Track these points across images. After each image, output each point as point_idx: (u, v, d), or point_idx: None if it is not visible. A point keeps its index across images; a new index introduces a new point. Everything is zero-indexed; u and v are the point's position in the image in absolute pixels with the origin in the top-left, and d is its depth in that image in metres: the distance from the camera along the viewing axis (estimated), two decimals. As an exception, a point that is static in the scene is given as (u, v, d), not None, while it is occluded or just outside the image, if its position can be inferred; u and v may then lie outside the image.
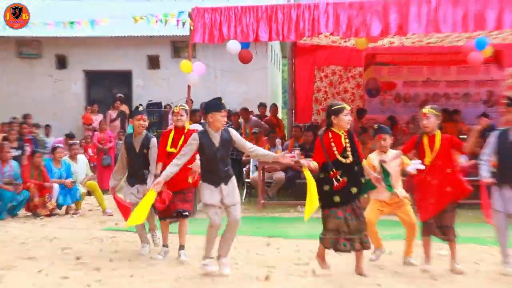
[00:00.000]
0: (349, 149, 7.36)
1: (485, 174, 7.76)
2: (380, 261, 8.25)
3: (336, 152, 7.33)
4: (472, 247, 9.24)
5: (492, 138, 7.93)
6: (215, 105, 7.46)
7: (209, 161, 7.45)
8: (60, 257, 8.65)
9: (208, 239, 7.49)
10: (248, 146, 7.75)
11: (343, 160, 7.33)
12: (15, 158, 13.66)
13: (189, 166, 8.04)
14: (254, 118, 16.43)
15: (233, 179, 7.67)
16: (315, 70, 17.67)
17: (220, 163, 7.44)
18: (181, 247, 8.40)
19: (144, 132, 8.72)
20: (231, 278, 7.58)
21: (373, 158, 8.21)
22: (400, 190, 8.15)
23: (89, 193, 13.92)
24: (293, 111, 17.90)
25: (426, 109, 7.83)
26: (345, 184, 7.32)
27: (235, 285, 7.25)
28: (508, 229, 7.80)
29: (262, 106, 17.52)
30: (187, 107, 8.89)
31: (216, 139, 7.38)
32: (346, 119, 7.38)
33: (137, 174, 8.70)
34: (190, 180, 8.40)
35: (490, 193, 7.91)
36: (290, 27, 13.01)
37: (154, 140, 8.72)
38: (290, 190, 14.48)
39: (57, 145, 14.50)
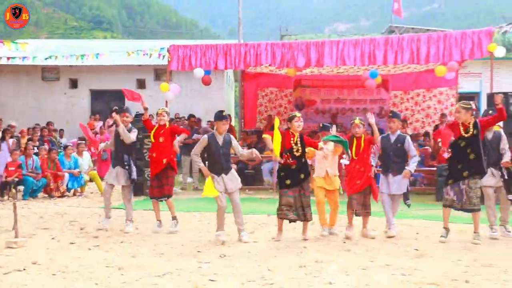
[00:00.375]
0: (299, 145, 7.62)
1: (374, 164, 8.07)
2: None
3: (292, 143, 7.60)
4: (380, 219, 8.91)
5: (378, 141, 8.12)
6: (218, 116, 7.72)
7: (214, 156, 7.62)
8: (68, 228, 8.70)
9: (218, 217, 7.58)
10: (240, 149, 7.90)
11: (295, 152, 7.59)
12: (36, 153, 13.63)
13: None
14: (204, 125, 16.40)
15: (233, 171, 7.84)
16: (258, 90, 17.67)
17: (222, 158, 7.61)
18: (173, 217, 8.39)
19: (130, 125, 8.74)
20: (198, 243, 7.69)
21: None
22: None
23: (91, 180, 13.94)
24: (242, 120, 17.94)
25: (357, 121, 8.03)
26: (295, 166, 7.57)
27: (200, 248, 7.31)
28: (390, 205, 7.99)
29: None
30: (168, 110, 8.89)
31: (220, 140, 7.61)
32: (296, 124, 7.66)
33: (118, 157, 8.63)
34: (164, 161, 8.43)
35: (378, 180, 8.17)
36: (240, 59, 13.21)
37: (135, 130, 8.84)
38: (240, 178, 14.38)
39: (67, 144, 14.56)
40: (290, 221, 7.70)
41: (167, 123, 8.73)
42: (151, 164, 8.75)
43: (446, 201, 7.64)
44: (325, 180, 8.15)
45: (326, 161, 8.12)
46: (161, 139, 8.51)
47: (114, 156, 8.83)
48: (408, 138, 8.15)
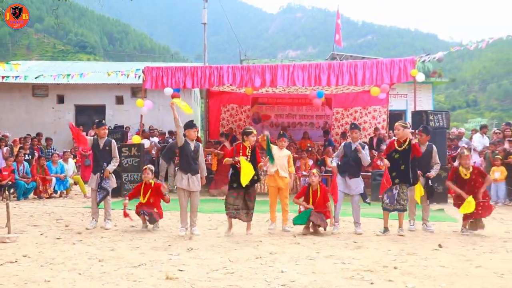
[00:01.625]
0: (249, 158, 7.61)
1: (334, 165, 8.08)
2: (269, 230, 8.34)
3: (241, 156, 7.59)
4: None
5: (342, 146, 8.24)
6: (188, 125, 7.78)
7: (186, 157, 7.66)
8: (55, 225, 8.54)
9: (181, 215, 7.70)
10: (202, 157, 7.93)
11: None
12: (27, 160, 13.34)
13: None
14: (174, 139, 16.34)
15: (198, 175, 7.79)
16: (221, 106, 17.64)
17: (191, 160, 7.67)
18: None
19: (106, 137, 8.56)
20: (169, 238, 7.65)
21: (275, 150, 8.22)
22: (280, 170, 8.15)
23: (75, 183, 13.79)
24: (207, 132, 17.89)
25: (315, 171, 8.15)
26: (238, 176, 7.48)
27: (167, 239, 7.34)
28: (341, 203, 8.10)
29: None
30: (152, 168, 8.59)
31: (192, 145, 7.69)
32: (252, 139, 7.70)
33: (98, 165, 8.44)
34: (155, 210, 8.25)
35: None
36: (205, 80, 13.20)
37: (114, 141, 8.65)
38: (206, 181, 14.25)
39: (54, 152, 14.31)
40: (238, 219, 7.70)
41: (152, 182, 8.39)
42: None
43: (384, 205, 7.89)
44: (274, 178, 8.18)
45: (281, 160, 8.16)
46: (151, 200, 8.25)
47: (94, 164, 8.62)
48: (366, 146, 8.31)
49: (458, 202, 7.94)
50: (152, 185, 8.32)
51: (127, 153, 12.88)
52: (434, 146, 8.44)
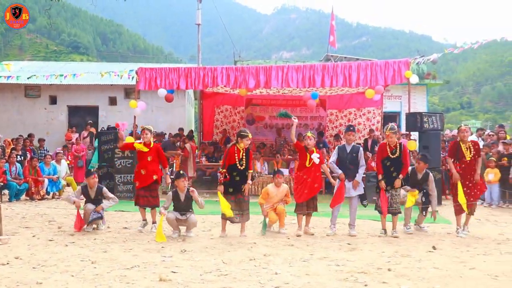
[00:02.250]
0: (244, 160, 7.64)
1: (340, 171, 8.01)
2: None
3: (236, 160, 7.61)
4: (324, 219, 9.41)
5: (336, 150, 8.22)
6: (177, 176, 7.84)
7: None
8: (48, 227, 8.48)
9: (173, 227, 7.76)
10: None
11: (239, 166, 7.61)
12: (19, 161, 13.27)
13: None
14: (165, 139, 16.36)
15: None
16: (215, 107, 17.63)
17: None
18: (153, 222, 8.30)
19: (96, 185, 8.34)
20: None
21: (271, 189, 8.31)
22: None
23: (68, 185, 13.70)
24: (201, 133, 17.86)
25: (309, 133, 8.11)
26: (233, 180, 7.58)
27: (163, 244, 7.30)
28: (339, 207, 8.10)
29: (181, 129, 17.41)
30: (151, 128, 8.48)
31: (182, 197, 7.72)
32: (246, 142, 7.68)
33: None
34: (154, 177, 8.28)
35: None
36: (199, 81, 13.13)
37: (105, 189, 8.41)
38: (199, 183, 14.27)
39: (47, 153, 14.25)
40: (232, 222, 7.70)
41: (152, 141, 8.41)
42: (139, 179, 8.34)
43: (379, 208, 8.04)
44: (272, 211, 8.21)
45: (273, 199, 8.23)
46: (149, 158, 8.27)
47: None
48: (361, 149, 8.32)
49: (458, 207, 8.05)
50: (151, 145, 8.35)
51: (120, 155, 12.84)
52: (430, 174, 8.53)
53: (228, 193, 7.66)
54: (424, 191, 8.37)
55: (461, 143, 8.12)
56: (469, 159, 7.99)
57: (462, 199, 7.87)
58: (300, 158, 8.21)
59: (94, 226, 8.26)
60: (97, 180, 8.43)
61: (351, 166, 8.03)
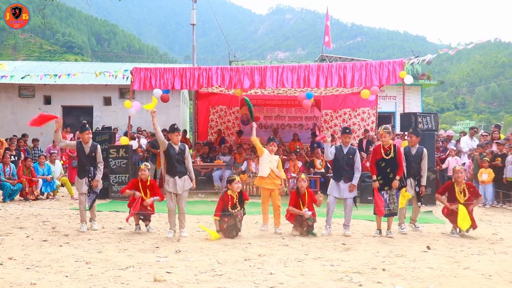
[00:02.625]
0: (237, 205, 7.74)
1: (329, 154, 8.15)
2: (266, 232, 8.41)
3: (229, 207, 7.66)
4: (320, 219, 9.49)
5: (334, 148, 8.22)
6: (171, 129, 7.92)
7: (171, 161, 7.74)
8: (42, 227, 8.41)
9: (169, 217, 7.79)
10: (189, 159, 7.93)
11: (232, 211, 7.65)
12: (13, 161, 13.21)
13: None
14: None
15: (186, 177, 7.84)
16: (209, 108, 17.65)
17: (176, 163, 7.74)
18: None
19: (91, 141, 8.43)
20: (157, 240, 7.63)
21: (265, 154, 8.42)
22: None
23: (62, 185, 13.65)
24: (196, 133, 17.85)
25: (303, 176, 8.14)
26: (233, 222, 7.56)
27: (155, 241, 7.32)
28: (334, 207, 8.15)
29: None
30: (149, 165, 8.60)
31: (176, 149, 7.78)
32: (236, 186, 7.72)
33: (84, 170, 8.32)
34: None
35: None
36: (194, 81, 13.12)
37: (99, 146, 8.54)
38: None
39: (41, 153, 14.20)
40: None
41: (149, 180, 8.36)
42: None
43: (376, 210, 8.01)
44: (265, 179, 8.29)
45: (272, 164, 8.28)
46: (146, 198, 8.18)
47: (81, 169, 8.43)
48: (358, 151, 8.36)
49: (451, 217, 8.04)
50: (148, 183, 8.30)
51: (115, 155, 12.81)
52: (425, 149, 8.57)
53: (223, 215, 7.66)
54: (417, 183, 8.43)
55: (455, 184, 8.11)
56: (462, 201, 7.96)
57: (463, 224, 7.79)
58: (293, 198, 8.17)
59: (89, 226, 8.25)
60: (91, 136, 8.52)
61: (347, 168, 8.08)
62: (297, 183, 8.18)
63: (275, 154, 8.54)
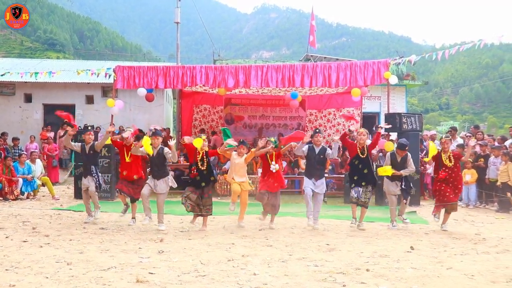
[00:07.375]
0: (205, 160, 8.25)
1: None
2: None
3: (198, 159, 8.24)
4: (288, 218, 9.67)
5: (307, 146, 8.67)
6: (152, 133, 8.41)
7: (151, 163, 8.34)
8: (21, 228, 8.36)
9: (143, 203, 8.27)
10: (169, 155, 8.23)
11: (200, 167, 8.17)
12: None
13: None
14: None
15: (166, 178, 8.32)
16: (193, 107, 17.58)
17: (155, 166, 8.27)
18: (133, 217, 8.87)
19: (92, 141, 8.96)
20: (139, 240, 7.60)
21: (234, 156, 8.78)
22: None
23: (43, 185, 13.50)
24: (180, 132, 17.80)
25: (272, 138, 8.86)
26: (198, 178, 8.13)
27: (138, 241, 7.30)
28: (312, 199, 8.52)
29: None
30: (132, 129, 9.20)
31: (154, 152, 8.26)
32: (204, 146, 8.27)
33: (87, 168, 8.87)
34: (135, 177, 8.78)
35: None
36: (177, 80, 13.09)
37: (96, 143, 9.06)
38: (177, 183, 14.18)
39: (22, 152, 14.05)
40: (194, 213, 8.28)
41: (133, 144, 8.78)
42: (123, 178, 8.88)
43: (352, 199, 8.70)
44: (234, 183, 8.72)
45: (234, 168, 8.71)
46: (127, 159, 8.80)
47: (84, 168, 8.95)
48: (328, 150, 8.82)
49: (440, 200, 8.52)
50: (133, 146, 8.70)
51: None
52: (409, 154, 8.98)
53: (189, 185, 8.26)
54: (403, 178, 8.82)
55: (442, 152, 8.61)
56: (450, 166, 8.47)
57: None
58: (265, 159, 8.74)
59: (92, 219, 8.88)
60: (92, 137, 9.05)
61: (317, 166, 8.62)
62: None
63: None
